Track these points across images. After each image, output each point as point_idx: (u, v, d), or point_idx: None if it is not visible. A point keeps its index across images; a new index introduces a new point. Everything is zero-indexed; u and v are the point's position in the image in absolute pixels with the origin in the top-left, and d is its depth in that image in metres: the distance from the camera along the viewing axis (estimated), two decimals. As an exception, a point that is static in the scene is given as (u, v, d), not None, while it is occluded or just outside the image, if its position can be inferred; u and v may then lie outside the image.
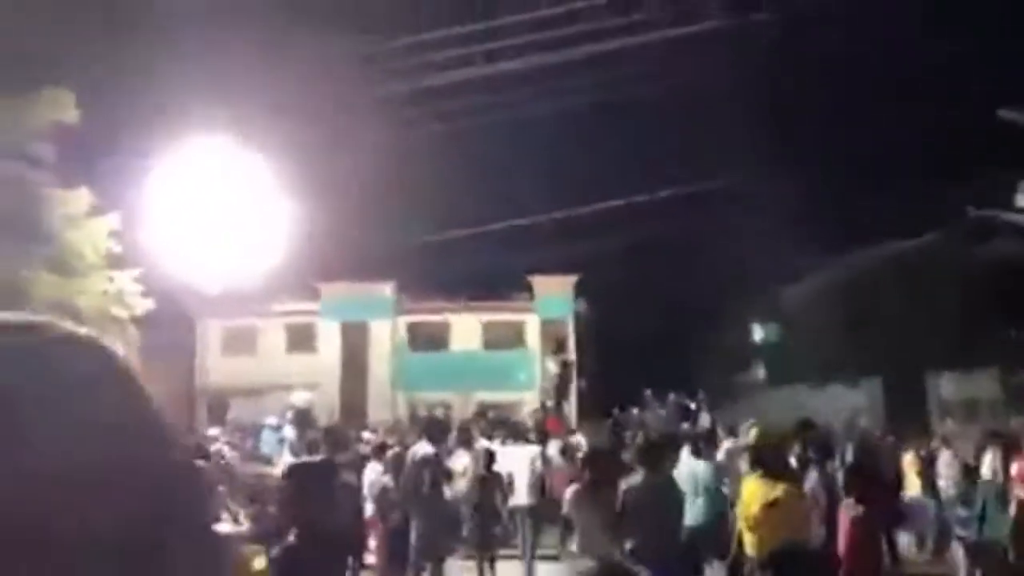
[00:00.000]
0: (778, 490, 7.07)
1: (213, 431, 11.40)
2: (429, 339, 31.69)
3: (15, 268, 16.16)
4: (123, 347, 26.00)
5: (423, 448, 10.95)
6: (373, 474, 11.55)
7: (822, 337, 28.58)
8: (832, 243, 28.29)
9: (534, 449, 13.91)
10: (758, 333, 34.56)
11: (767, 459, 7.42)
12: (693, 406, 25.05)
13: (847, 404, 25.77)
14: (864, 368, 27.08)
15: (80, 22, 16.74)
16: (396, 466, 11.38)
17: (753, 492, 7.25)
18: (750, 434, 9.52)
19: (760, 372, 34.53)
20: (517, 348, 31.19)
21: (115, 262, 17.41)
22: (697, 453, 10.59)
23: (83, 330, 0.69)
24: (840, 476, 8.80)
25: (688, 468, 10.01)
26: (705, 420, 20.23)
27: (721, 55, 21.42)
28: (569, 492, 8.56)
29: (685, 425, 14.07)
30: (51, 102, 16.33)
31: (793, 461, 9.15)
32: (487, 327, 31.35)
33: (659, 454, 8.48)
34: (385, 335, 31.46)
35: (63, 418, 0.58)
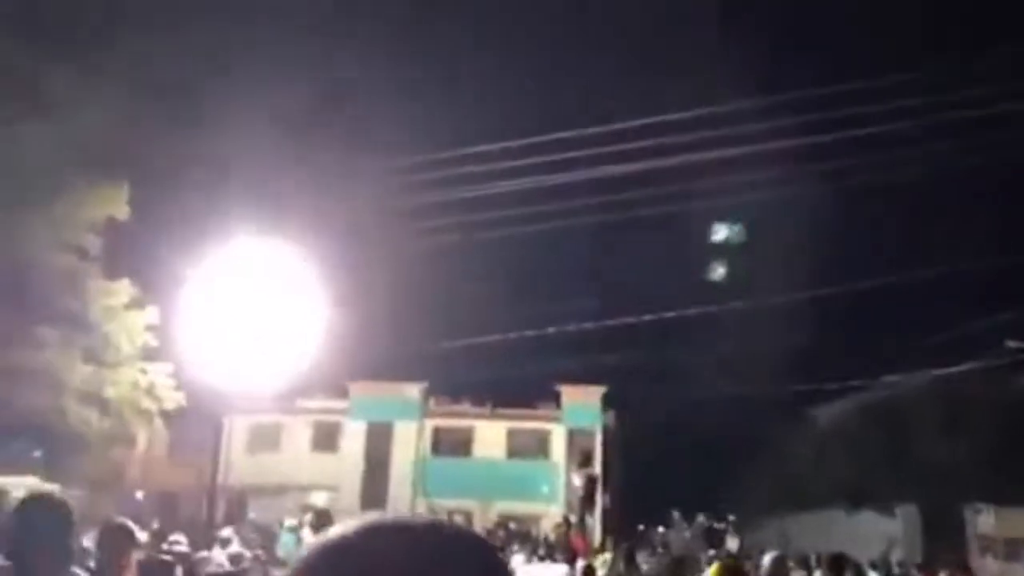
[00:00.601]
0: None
1: (226, 531, 11.27)
2: (453, 444, 31.34)
3: (53, 356, 16.52)
4: (148, 440, 26.13)
5: None
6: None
7: (856, 461, 27.79)
8: (868, 366, 27.92)
9: (561, 569, 13.25)
10: (789, 455, 33.70)
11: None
12: (721, 527, 24.26)
13: (880, 532, 24.80)
14: (900, 495, 26.17)
15: (136, 122, 17.61)
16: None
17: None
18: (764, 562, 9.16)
19: (790, 496, 33.48)
20: (541, 458, 30.68)
21: (149, 355, 17.70)
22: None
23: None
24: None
25: None
26: (732, 544, 19.54)
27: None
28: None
29: (711, 551, 13.56)
30: (103, 196, 17.04)
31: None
32: (512, 435, 30.97)
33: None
34: (410, 437, 31.21)
35: None
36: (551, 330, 26.21)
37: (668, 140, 19.77)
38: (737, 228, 30.38)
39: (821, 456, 28.85)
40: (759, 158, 20.40)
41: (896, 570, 18.26)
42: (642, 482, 31.38)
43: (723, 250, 30.92)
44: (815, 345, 30.02)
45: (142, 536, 10.39)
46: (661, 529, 27.04)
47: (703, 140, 19.74)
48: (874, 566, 17.31)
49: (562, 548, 16.57)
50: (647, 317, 25.50)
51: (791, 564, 10.81)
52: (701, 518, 26.20)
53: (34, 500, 3.67)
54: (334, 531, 0.76)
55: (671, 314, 25.18)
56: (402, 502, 29.83)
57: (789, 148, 20.13)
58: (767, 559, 8.92)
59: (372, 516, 0.77)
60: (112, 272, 17.42)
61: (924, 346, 24.99)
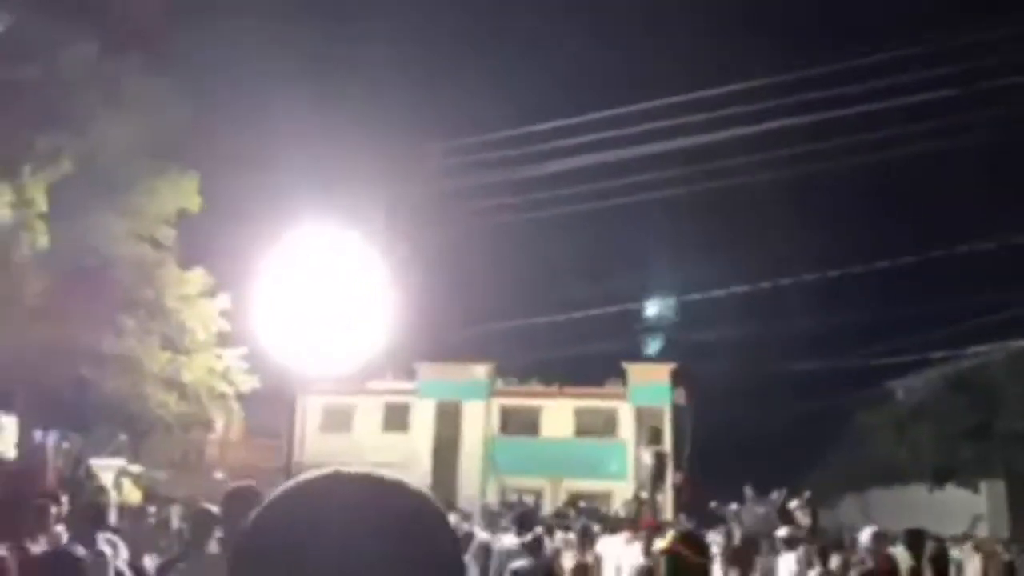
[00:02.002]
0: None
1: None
2: (521, 424, 31.48)
3: (133, 343, 17.11)
4: (226, 422, 26.92)
5: (510, 540, 10.68)
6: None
7: (939, 435, 26.91)
8: (951, 337, 26.96)
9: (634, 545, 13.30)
10: (868, 430, 32.82)
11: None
12: (794, 504, 23.78)
13: (965, 509, 24.02)
14: (985, 471, 25.27)
15: (206, 115, 18.01)
16: (481, 557, 11.15)
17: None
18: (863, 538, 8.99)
19: (870, 472, 32.66)
20: (609, 437, 30.58)
21: (224, 340, 18.19)
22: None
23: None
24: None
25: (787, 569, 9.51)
26: (805, 521, 19.12)
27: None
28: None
29: (782, 530, 13.25)
30: (176, 188, 17.49)
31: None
32: (579, 414, 30.94)
33: (748, 555, 8.31)
34: (478, 417, 31.47)
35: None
36: (617, 308, 26.00)
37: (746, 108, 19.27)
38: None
39: (902, 431, 28.00)
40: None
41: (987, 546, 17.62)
42: (713, 459, 31.00)
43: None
44: (893, 316, 29.10)
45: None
46: (734, 506, 26.66)
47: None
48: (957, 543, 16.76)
49: (633, 524, 16.49)
50: (717, 292, 25.09)
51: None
52: (774, 495, 25.73)
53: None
54: (295, 479, 0.81)
55: (744, 288, 24.70)
56: (472, 480, 30.15)
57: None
58: (865, 535, 8.69)
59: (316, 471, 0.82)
60: (186, 261, 17.91)
61: (1010, 316, 23.95)
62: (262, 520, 0.77)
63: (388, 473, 0.82)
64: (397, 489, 0.80)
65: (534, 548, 9.82)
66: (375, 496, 0.78)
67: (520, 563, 8.01)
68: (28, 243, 14.59)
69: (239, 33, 19.51)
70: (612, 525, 14.97)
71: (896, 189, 40.06)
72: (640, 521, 18.60)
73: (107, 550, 5.85)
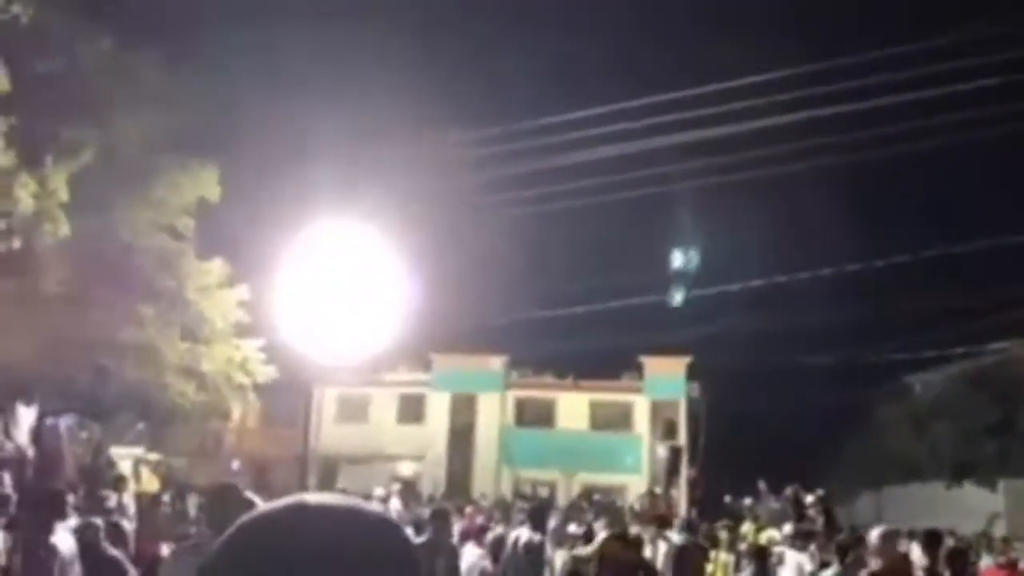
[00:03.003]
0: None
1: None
2: (536, 416, 31.54)
3: (152, 333, 17.28)
4: (243, 411, 27.15)
5: (526, 534, 10.70)
6: (472, 557, 11.38)
7: (957, 432, 26.71)
8: (969, 333, 26.71)
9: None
10: (885, 426, 32.63)
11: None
12: (808, 500, 23.66)
13: (983, 507, 23.85)
14: (1004, 469, 25.06)
15: (226, 106, 18.10)
16: (496, 550, 11.19)
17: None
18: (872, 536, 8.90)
19: (886, 468, 32.49)
20: (624, 430, 30.58)
21: (242, 331, 18.33)
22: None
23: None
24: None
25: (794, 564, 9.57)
26: (818, 519, 19.04)
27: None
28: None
29: (787, 526, 13.22)
30: (196, 179, 17.61)
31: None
32: (594, 406, 30.96)
33: (764, 552, 8.47)
34: (493, 408, 31.55)
35: None
36: (635, 300, 25.96)
37: (754, 102, 19.14)
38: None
39: (920, 427, 27.83)
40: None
41: (999, 546, 17.51)
42: (728, 453, 30.92)
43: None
44: (912, 310, 28.90)
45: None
46: (748, 501, 26.60)
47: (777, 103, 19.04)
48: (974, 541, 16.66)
49: (647, 518, 16.50)
50: (733, 286, 24.99)
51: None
52: (788, 490, 25.63)
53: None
54: (260, 508, 0.81)
55: (758, 282, 24.57)
56: (487, 472, 30.26)
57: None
58: (875, 533, 8.65)
59: (297, 496, 0.83)
60: (205, 252, 18.04)
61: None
62: (226, 553, 0.78)
63: (351, 501, 0.83)
64: (360, 520, 0.80)
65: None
66: (341, 530, 0.78)
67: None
68: (50, 233, 14.74)
69: (259, 26, 19.60)
70: (615, 519, 14.86)
71: (919, 183, 39.71)
72: (647, 515, 18.62)
73: (62, 543, 5.89)
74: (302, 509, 0.79)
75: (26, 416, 14.39)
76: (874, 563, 7.64)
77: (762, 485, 27.88)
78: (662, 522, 14.64)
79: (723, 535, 12.94)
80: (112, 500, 8.76)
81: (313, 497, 0.81)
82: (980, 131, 19.91)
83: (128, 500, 11.18)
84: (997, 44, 17.79)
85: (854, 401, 33.00)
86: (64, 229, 14.83)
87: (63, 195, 14.79)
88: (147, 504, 9.25)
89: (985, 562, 14.49)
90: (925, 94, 18.30)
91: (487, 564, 11.21)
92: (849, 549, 12.18)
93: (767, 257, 29.91)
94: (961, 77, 17.81)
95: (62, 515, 7.34)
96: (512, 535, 11.23)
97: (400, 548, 0.81)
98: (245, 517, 0.80)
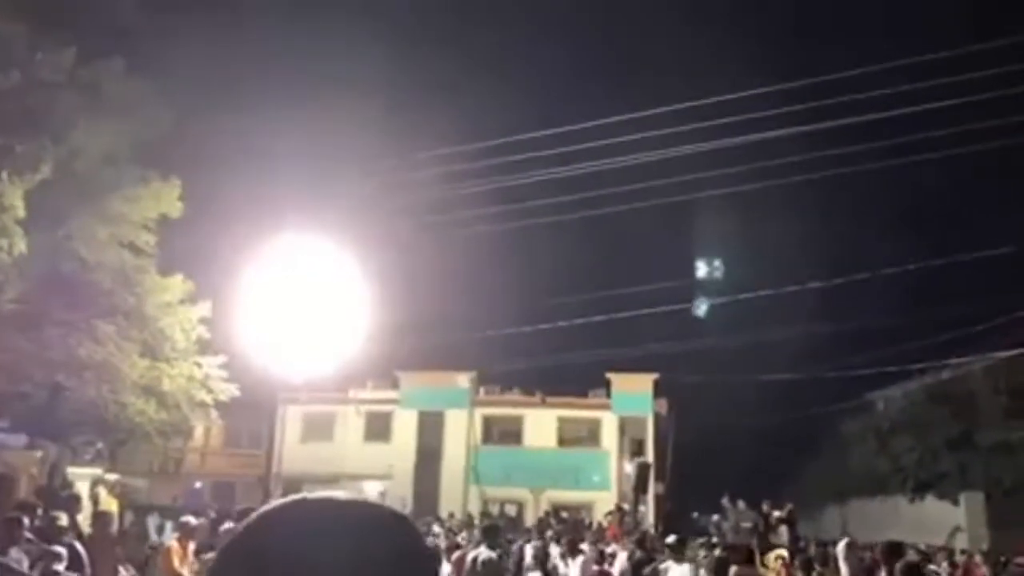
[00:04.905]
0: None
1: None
2: (503, 433, 31.42)
3: (111, 350, 16.96)
4: (205, 430, 26.71)
5: (484, 553, 10.70)
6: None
7: (919, 446, 27.07)
8: (930, 349, 27.14)
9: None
10: (848, 441, 33.01)
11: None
12: (774, 515, 23.83)
13: (944, 520, 24.14)
14: (965, 482, 25.41)
15: (187, 122, 17.93)
16: (458, 568, 11.11)
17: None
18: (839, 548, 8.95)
19: (850, 483, 32.86)
20: (592, 447, 30.56)
21: (203, 348, 18.06)
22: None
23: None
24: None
25: None
26: (783, 533, 19.19)
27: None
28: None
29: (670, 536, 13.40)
30: (157, 194, 17.38)
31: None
32: (562, 423, 30.91)
33: (726, 568, 8.46)
34: (461, 426, 31.36)
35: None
36: (601, 317, 26.03)
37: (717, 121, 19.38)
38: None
39: (882, 442, 28.15)
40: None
41: (959, 558, 17.73)
42: (696, 469, 31.06)
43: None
44: (873, 327, 29.34)
45: (198, 523, 10.61)
46: (715, 517, 26.69)
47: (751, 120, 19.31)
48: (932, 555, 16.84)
49: (600, 534, 16.57)
50: (699, 303, 25.17)
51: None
52: (742, 505, 25.78)
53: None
54: (264, 507, 0.79)
55: (723, 299, 24.79)
56: (454, 490, 30.03)
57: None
58: (840, 546, 8.77)
59: (298, 495, 0.80)
60: (166, 268, 17.79)
61: (990, 328, 24.13)
62: (232, 551, 0.76)
63: (359, 499, 0.80)
64: (374, 516, 0.78)
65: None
66: (350, 528, 0.76)
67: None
68: (5, 249, 14.43)
69: (222, 40, 19.47)
70: (572, 537, 14.85)
71: (878, 202, 40.46)
72: (607, 532, 18.61)
73: (15, 564, 5.79)
74: (305, 505, 0.77)
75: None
76: (844, 570, 7.77)
77: (725, 501, 28.06)
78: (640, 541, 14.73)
79: (701, 553, 12.95)
80: (64, 520, 8.51)
81: (315, 494, 0.80)
82: (944, 148, 20.33)
83: (82, 521, 10.90)
84: (984, 60, 18.17)
85: (818, 417, 33.36)
86: (20, 245, 14.53)
87: (20, 211, 14.51)
88: (99, 524, 9.01)
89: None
90: (887, 114, 18.67)
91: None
92: (814, 564, 12.30)
93: (730, 275, 30.17)
94: (922, 97, 18.19)
95: (16, 540, 7.13)
96: (471, 554, 11.22)
97: (410, 541, 0.79)
98: (250, 517, 0.78)
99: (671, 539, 10.48)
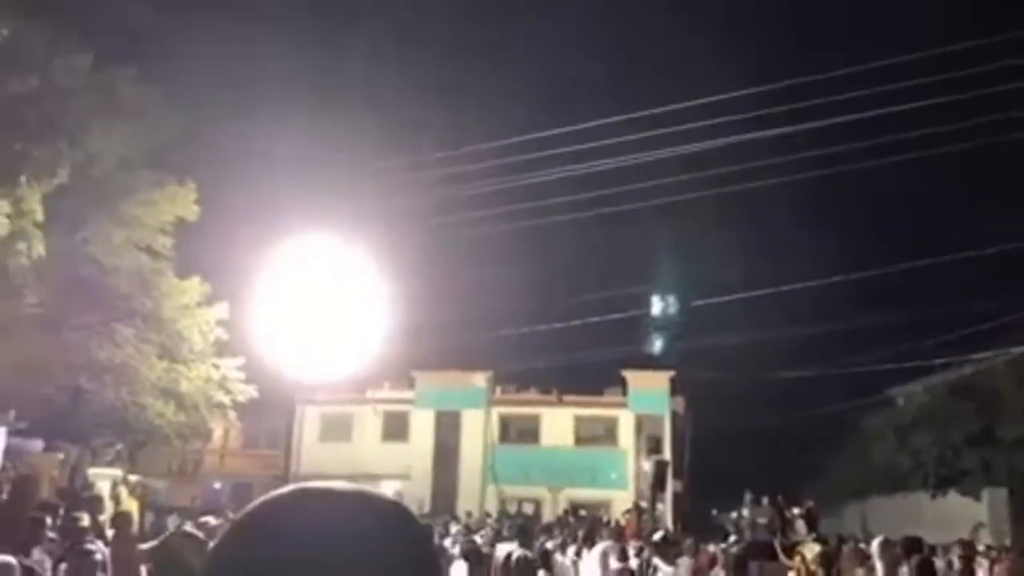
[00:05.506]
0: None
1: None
2: (520, 432, 31.41)
3: (130, 353, 17.11)
4: (224, 431, 26.86)
5: (518, 550, 10.88)
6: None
7: (941, 442, 26.83)
8: (952, 344, 26.89)
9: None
10: (869, 437, 32.77)
11: None
12: (793, 513, 23.69)
13: (967, 517, 23.91)
14: (987, 478, 25.17)
15: (202, 126, 18.06)
16: (470, 557, 11.12)
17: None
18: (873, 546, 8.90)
19: (871, 479, 32.62)
20: (609, 445, 30.49)
21: (221, 350, 18.17)
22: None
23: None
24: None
25: None
26: (802, 529, 19.08)
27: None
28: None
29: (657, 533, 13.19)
30: (173, 198, 17.51)
31: None
32: (579, 421, 30.86)
33: (744, 565, 8.34)
34: (478, 425, 31.38)
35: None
36: (618, 315, 25.97)
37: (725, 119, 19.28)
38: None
39: (904, 438, 27.91)
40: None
41: (987, 554, 17.52)
42: (713, 467, 30.91)
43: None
44: (894, 322, 29.09)
45: (217, 523, 10.68)
46: (734, 514, 26.56)
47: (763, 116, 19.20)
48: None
49: (632, 534, 16.46)
50: (716, 299, 25.04)
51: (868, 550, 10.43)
52: (764, 501, 25.63)
53: None
54: (265, 496, 0.79)
55: (744, 294, 24.64)
56: (472, 489, 30.06)
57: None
58: (875, 543, 8.69)
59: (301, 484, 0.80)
60: (183, 271, 17.91)
61: (1012, 322, 23.85)
62: (223, 553, 0.76)
63: (362, 489, 0.79)
64: (374, 506, 0.78)
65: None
66: (351, 519, 0.75)
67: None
68: (25, 252, 14.58)
69: (235, 45, 19.59)
70: (589, 529, 14.66)
71: (899, 195, 40.11)
72: (625, 530, 18.56)
73: (37, 566, 5.85)
74: (307, 494, 0.77)
75: (0, 437, 14.17)
76: (879, 565, 7.73)
77: (747, 498, 27.91)
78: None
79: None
80: (86, 521, 8.60)
81: (317, 484, 0.79)
82: (958, 142, 20.13)
83: (104, 522, 11.00)
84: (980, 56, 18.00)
85: (838, 414, 33.12)
86: (39, 249, 14.68)
87: (38, 215, 14.65)
88: (120, 525, 9.08)
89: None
90: (903, 107, 18.50)
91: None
92: (834, 560, 12.21)
93: (750, 272, 30.02)
94: (928, 92, 18.02)
95: (38, 539, 7.21)
96: (503, 550, 11.36)
97: (410, 534, 0.78)
98: (252, 504, 0.79)
99: (657, 536, 9.98)
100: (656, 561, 9.36)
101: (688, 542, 12.26)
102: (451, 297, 26.50)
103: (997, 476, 24.75)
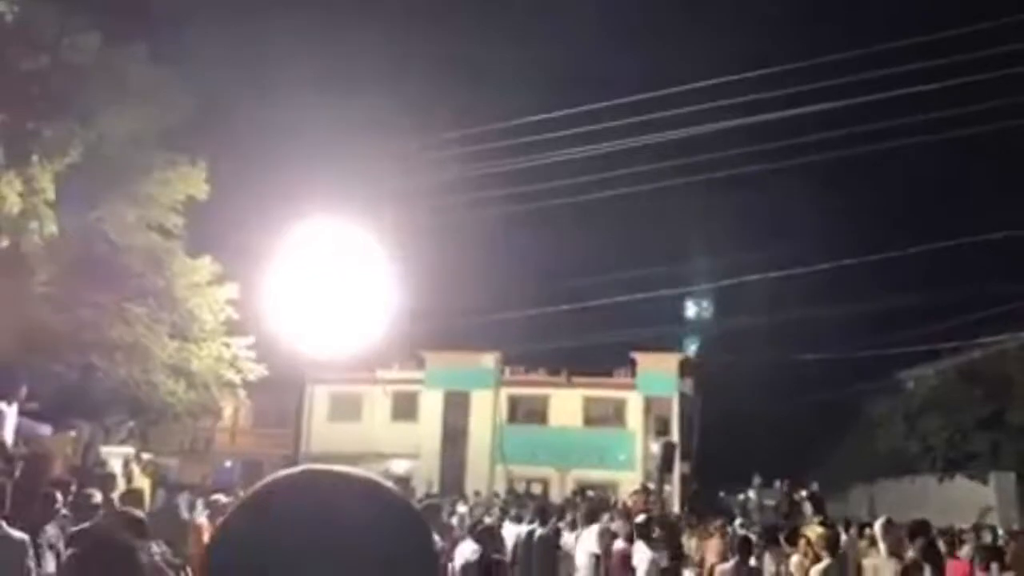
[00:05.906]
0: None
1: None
2: (529, 412, 31.53)
3: (142, 331, 17.20)
4: (234, 410, 27.05)
5: (539, 530, 11.21)
6: (469, 552, 11.36)
7: (949, 426, 26.79)
8: (960, 328, 26.79)
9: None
10: (877, 421, 32.74)
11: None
12: (801, 495, 23.75)
13: (974, 500, 23.91)
14: (995, 462, 25.14)
15: (213, 104, 18.04)
16: (482, 538, 11.22)
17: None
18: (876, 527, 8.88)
19: (878, 463, 32.62)
20: (617, 426, 30.58)
21: (232, 329, 18.25)
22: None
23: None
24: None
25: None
26: (808, 512, 19.16)
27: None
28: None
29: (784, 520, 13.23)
30: (185, 177, 17.53)
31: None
32: (588, 403, 30.96)
33: (749, 547, 8.49)
34: (487, 406, 31.52)
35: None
36: (626, 297, 25.96)
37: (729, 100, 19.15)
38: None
39: (912, 421, 27.87)
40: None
41: (988, 538, 17.52)
42: (721, 449, 30.98)
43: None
44: (904, 306, 28.99)
45: (228, 501, 10.79)
46: (741, 496, 26.65)
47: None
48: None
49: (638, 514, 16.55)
50: (725, 282, 25.01)
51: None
52: (777, 484, 25.70)
53: None
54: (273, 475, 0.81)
55: (753, 277, 24.60)
56: (480, 469, 30.23)
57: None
58: (878, 524, 8.74)
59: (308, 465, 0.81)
60: (194, 249, 17.96)
61: (1022, 306, 23.74)
62: (229, 530, 0.77)
63: (361, 473, 0.81)
64: (371, 490, 0.79)
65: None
66: (347, 502, 0.76)
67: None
68: (37, 231, 14.63)
69: (247, 24, 19.53)
70: (592, 506, 14.67)
71: (909, 178, 39.83)
72: (632, 509, 18.64)
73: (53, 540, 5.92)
74: (314, 475, 0.79)
75: (11, 416, 14.30)
76: (883, 546, 7.80)
77: (756, 480, 27.98)
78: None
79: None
80: (98, 498, 8.68)
81: (324, 466, 0.80)
82: (972, 125, 19.97)
83: (115, 498, 11.10)
84: (986, 40, 17.81)
85: (847, 397, 33.08)
86: (51, 228, 14.73)
87: (50, 193, 14.69)
88: (130, 501, 9.17)
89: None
90: (912, 90, 18.34)
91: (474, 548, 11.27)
92: (839, 542, 12.22)
93: (759, 255, 29.91)
94: (933, 76, 17.87)
95: (50, 516, 7.28)
96: (523, 529, 11.65)
97: (411, 525, 0.78)
98: (258, 483, 0.80)
99: (640, 519, 9.77)
100: (638, 543, 9.16)
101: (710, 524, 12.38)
102: (461, 278, 26.54)
103: (1005, 460, 24.72)
